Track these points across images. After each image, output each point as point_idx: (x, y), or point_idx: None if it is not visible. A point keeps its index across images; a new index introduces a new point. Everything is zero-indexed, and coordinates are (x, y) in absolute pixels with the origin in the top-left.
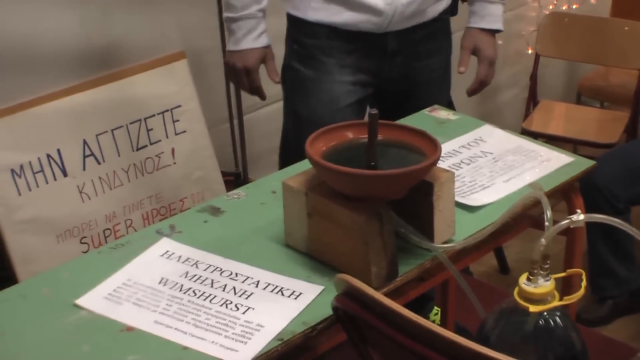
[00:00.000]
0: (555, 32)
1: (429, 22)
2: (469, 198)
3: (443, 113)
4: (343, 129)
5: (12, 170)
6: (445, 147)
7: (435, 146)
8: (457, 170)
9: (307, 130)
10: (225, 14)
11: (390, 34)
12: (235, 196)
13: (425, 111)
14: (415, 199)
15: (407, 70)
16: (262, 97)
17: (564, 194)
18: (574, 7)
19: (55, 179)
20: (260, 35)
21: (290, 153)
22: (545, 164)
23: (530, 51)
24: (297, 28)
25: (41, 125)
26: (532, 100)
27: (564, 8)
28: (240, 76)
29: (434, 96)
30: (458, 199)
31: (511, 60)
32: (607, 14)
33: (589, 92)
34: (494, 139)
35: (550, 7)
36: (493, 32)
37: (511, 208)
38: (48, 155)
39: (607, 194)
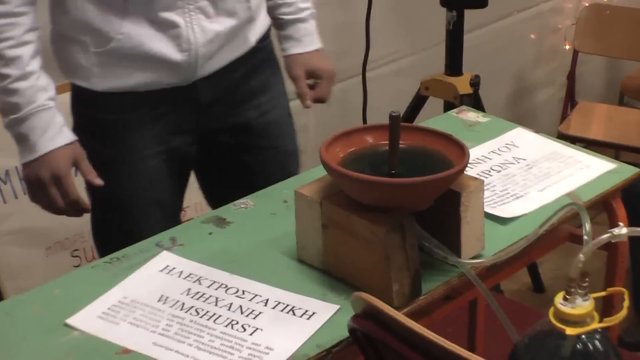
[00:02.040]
0: (595, 26)
1: (245, 55)
2: (500, 209)
3: (472, 115)
4: (362, 132)
5: None
6: (474, 153)
7: (463, 152)
8: (487, 178)
9: (122, 219)
10: (5, 120)
11: (198, 82)
12: (242, 206)
13: (453, 112)
14: (441, 209)
15: (231, 120)
16: (86, 209)
17: (605, 204)
18: None
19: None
20: (61, 129)
21: (107, 247)
22: (585, 171)
23: (567, 47)
24: (85, 101)
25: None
26: (570, 101)
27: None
28: (49, 190)
29: (277, 141)
30: (488, 209)
31: (546, 57)
32: None
33: (633, 92)
34: (528, 143)
35: None
36: (316, 51)
37: (546, 220)
38: None
39: None
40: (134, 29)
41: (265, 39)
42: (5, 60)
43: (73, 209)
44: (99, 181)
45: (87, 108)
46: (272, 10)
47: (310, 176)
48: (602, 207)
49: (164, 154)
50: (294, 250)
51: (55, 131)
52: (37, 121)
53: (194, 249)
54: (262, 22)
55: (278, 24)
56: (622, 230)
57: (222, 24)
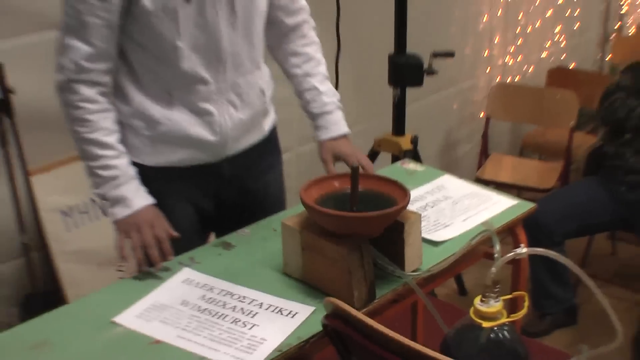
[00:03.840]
0: (501, 99)
1: (260, 142)
2: (434, 234)
3: (412, 165)
4: (331, 179)
5: (62, 212)
6: (414, 193)
7: (405, 193)
8: (423, 212)
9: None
10: (100, 189)
11: (224, 161)
12: (243, 233)
13: (398, 163)
14: (390, 235)
15: (240, 194)
16: (175, 236)
17: (511, 230)
18: (517, 79)
19: (97, 218)
20: (145, 193)
21: None
22: (495, 206)
23: (482, 115)
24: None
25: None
26: (484, 154)
27: (508, 79)
28: (144, 232)
29: (271, 209)
30: (424, 235)
31: (467, 121)
32: (543, 84)
33: (530, 146)
34: (454, 186)
35: (498, 78)
36: (343, 136)
37: (468, 242)
38: (91, 199)
39: (546, 230)
40: (178, 116)
41: (274, 130)
42: (101, 144)
43: (157, 245)
44: (175, 232)
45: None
46: (304, 107)
47: (293, 211)
48: (508, 232)
49: (194, 213)
50: (280, 266)
51: (142, 193)
52: (130, 187)
53: (208, 265)
54: (272, 116)
55: (310, 116)
56: (523, 250)
57: (245, 114)
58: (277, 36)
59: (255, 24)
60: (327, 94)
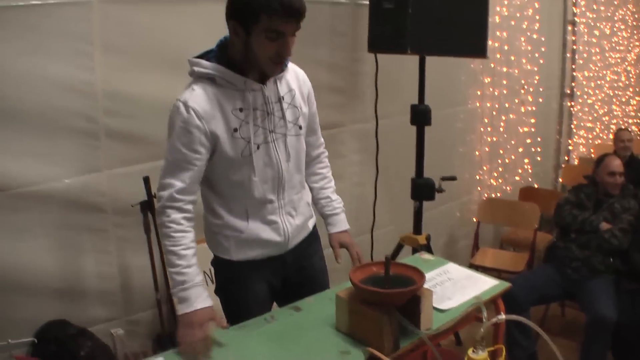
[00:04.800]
0: (489, 209)
1: (306, 237)
2: (441, 304)
3: (427, 255)
4: (371, 265)
5: None
6: (428, 276)
7: (422, 276)
8: (434, 288)
9: (243, 318)
10: (176, 288)
11: (286, 253)
12: (308, 301)
13: (417, 255)
14: (410, 305)
15: (297, 271)
16: (208, 345)
17: (493, 301)
18: (499, 195)
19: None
20: (207, 297)
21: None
22: (483, 284)
23: (475, 219)
24: (225, 265)
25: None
26: (476, 247)
27: (493, 195)
28: (195, 330)
29: (319, 282)
30: (434, 304)
31: (464, 224)
32: (517, 199)
33: (507, 242)
34: (455, 270)
35: (485, 195)
36: (345, 231)
37: (464, 310)
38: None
39: (517, 300)
40: (254, 226)
41: (315, 226)
42: (179, 256)
43: (202, 344)
44: (225, 324)
45: (226, 268)
46: (319, 209)
47: (343, 286)
48: (491, 303)
49: (266, 290)
50: (334, 323)
51: (204, 298)
52: (195, 291)
53: (283, 322)
54: (314, 217)
55: (323, 216)
56: (501, 316)
57: (299, 220)
58: (305, 162)
59: (301, 158)
60: (336, 202)
